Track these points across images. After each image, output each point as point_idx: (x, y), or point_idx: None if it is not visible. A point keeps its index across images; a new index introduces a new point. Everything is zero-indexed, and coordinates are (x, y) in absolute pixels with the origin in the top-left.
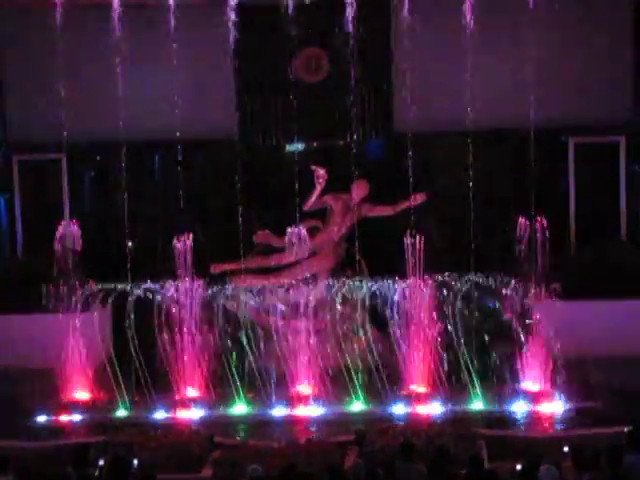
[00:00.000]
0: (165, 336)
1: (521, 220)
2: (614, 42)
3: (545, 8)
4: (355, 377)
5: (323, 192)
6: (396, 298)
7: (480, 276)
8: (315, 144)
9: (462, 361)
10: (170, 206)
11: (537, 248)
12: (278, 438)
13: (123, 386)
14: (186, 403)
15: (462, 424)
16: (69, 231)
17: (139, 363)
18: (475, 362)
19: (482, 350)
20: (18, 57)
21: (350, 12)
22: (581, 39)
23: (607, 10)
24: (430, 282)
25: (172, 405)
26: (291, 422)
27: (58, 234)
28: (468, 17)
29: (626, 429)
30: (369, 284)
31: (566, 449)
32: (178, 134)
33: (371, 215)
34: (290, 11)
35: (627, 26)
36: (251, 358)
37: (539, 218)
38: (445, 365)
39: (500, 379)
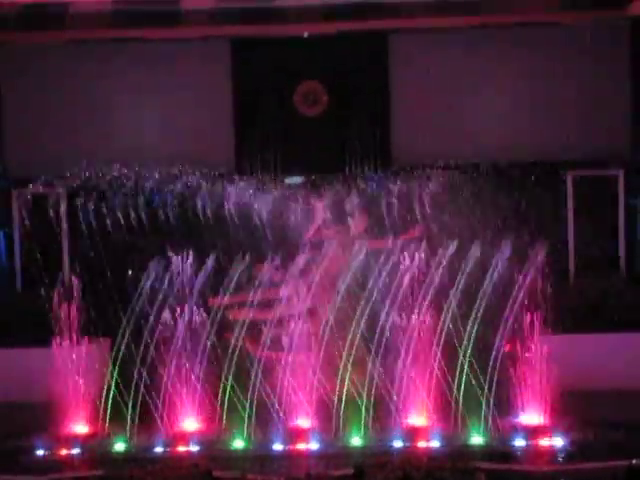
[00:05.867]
0: (165, 369)
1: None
2: (613, 77)
3: (544, 44)
4: (354, 410)
5: (322, 225)
6: (395, 331)
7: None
8: (313, 177)
9: (462, 395)
10: (169, 239)
11: (536, 282)
12: (277, 472)
13: (122, 419)
14: (185, 437)
15: (461, 458)
16: (67, 263)
17: (139, 396)
18: (475, 395)
19: (482, 383)
20: (17, 93)
21: (348, 46)
22: (580, 74)
23: (606, 46)
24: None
25: (170, 439)
26: (290, 456)
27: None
28: (466, 52)
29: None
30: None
31: None
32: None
33: (369, 248)
34: (288, 45)
35: (625, 62)
36: (250, 392)
37: (538, 253)
38: (445, 399)
39: (499, 413)
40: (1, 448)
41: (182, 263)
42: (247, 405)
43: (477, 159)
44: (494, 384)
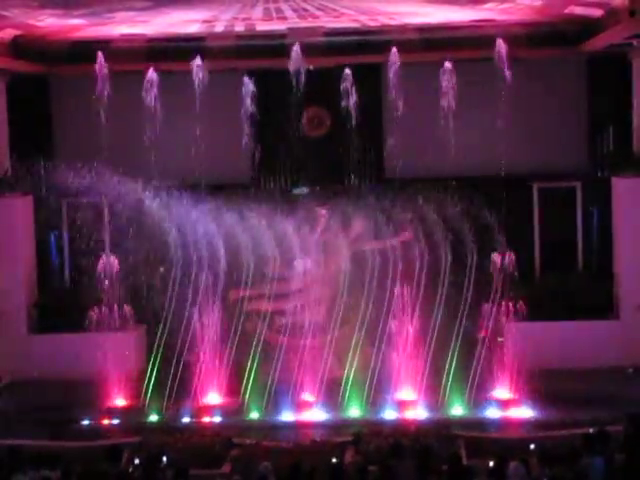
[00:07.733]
0: (191, 352)
1: (494, 254)
2: (572, 104)
3: (515, 75)
4: (352, 387)
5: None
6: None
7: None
8: (318, 188)
9: (444, 373)
10: (195, 240)
11: (507, 278)
12: (287, 439)
13: (155, 394)
14: (208, 409)
15: (444, 427)
16: (109, 262)
17: (169, 375)
18: (455, 374)
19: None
20: (66, 115)
21: (348, 77)
22: (545, 101)
23: (568, 78)
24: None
25: (196, 411)
26: (298, 426)
27: (101, 264)
28: (447, 81)
29: (582, 432)
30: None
31: (532, 446)
32: (202, 179)
33: (365, 248)
34: (297, 75)
35: (582, 91)
36: (264, 371)
37: (509, 252)
38: (430, 376)
39: (476, 388)
40: (53, 418)
41: (207, 260)
42: (262, 383)
43: (457, 173)
44: (472, 364)
